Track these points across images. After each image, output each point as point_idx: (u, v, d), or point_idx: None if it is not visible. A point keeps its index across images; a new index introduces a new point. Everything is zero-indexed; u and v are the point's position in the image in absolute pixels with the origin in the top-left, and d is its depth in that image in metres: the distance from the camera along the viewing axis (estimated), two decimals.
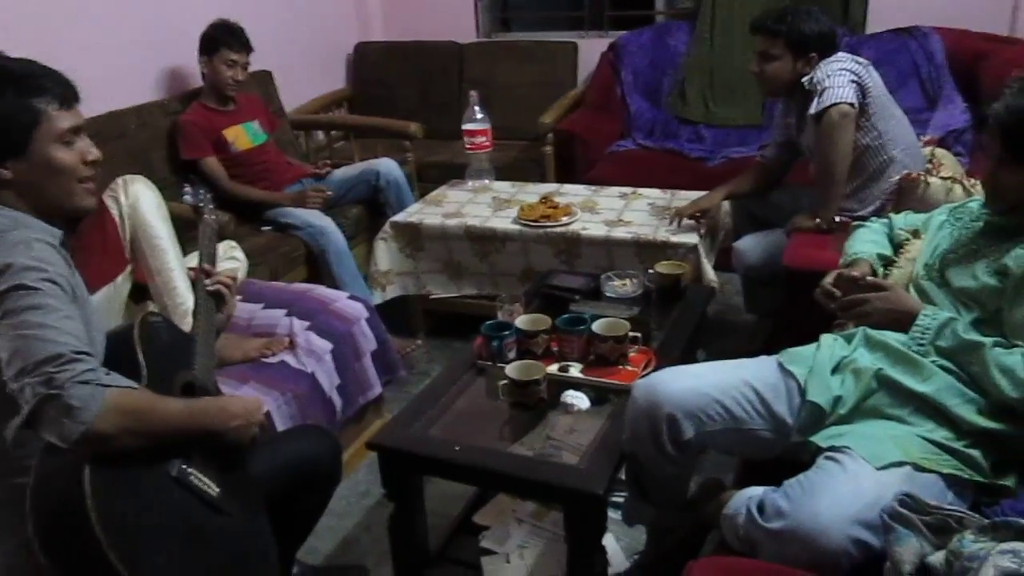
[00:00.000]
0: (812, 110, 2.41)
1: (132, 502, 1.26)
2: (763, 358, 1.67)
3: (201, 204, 1.83)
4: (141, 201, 2.21)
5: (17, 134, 1.37)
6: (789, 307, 2.41)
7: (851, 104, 2.36)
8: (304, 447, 1.74)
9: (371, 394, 2.46)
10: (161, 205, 2.25)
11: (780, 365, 1.62)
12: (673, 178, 3.34)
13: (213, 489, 1.39)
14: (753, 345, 2.92)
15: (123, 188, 2.22)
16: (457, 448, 1.69)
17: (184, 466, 1.36)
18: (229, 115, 3.24)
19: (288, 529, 1.74)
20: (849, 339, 1.65)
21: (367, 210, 3.45)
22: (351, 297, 2.51)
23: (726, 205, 2.87)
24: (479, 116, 3.28)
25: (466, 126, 3.30)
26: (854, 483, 1.35)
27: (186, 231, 2.31)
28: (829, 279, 1.76)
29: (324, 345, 2.30)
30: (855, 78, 2.40)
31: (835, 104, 2.35)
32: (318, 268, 3.12)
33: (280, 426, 2.05)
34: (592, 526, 1.62)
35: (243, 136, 3.26)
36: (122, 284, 2.22)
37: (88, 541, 1.17)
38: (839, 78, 2.38)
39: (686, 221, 2.72)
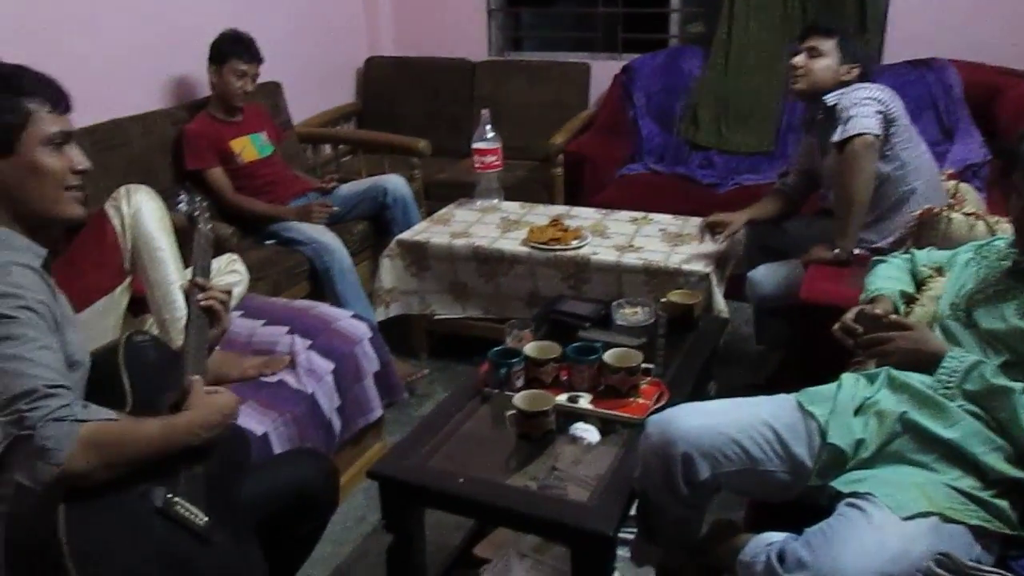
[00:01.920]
0: (836, 137, 2.36)
1: (110, 539, 1.20)
2: (781, 396, 1.61)
3: (196, 213, 1.76)
4: (143, 211, 2.15)
5: (3, 132, 1.32)
6: (803, 341, 2.35)
7: (876, 135, 2.32)
8: (299, 472, 1.67)
9: (371, 416, 2.39)
10: (164, 216, 2.20)
11: (800, 405, 1.56)
12: (683, 204, 3.29)
13: (201, 518, 1.32)
14: (759, 377, 2.87)
15: (126, 197, 2.16)
16: (461, 481, 1.63)
17: (170, 495, 1.30)
18: (236, 126, 3.20)
19: (282, 557, 1.67)
20: (872, 379, 1.59)
21: (372, 227, 3.40)
22: (354, 316, 2.45)
23: (740, 234, 2.81)
24: (490, 135, 3.23)
25: (476, 144, 3.25)
26: (879, 534, 1.29)
27: (185, 243, 2.26)
28: (850, 316, 1.70)
29: (325, 365, 2.23)
30: (881, 107, 2.35)
31: (860, 134, 2.30)
32: (320, 284, 3.05)
33: (277, 448, 1.99)
34: (600, 567, 1.55)
35: (249, 148, 3.21)
36: (120, 296, 2.17)
37: None
38: (865, 107, 2.33)
39: (717, 237, 2.70)
